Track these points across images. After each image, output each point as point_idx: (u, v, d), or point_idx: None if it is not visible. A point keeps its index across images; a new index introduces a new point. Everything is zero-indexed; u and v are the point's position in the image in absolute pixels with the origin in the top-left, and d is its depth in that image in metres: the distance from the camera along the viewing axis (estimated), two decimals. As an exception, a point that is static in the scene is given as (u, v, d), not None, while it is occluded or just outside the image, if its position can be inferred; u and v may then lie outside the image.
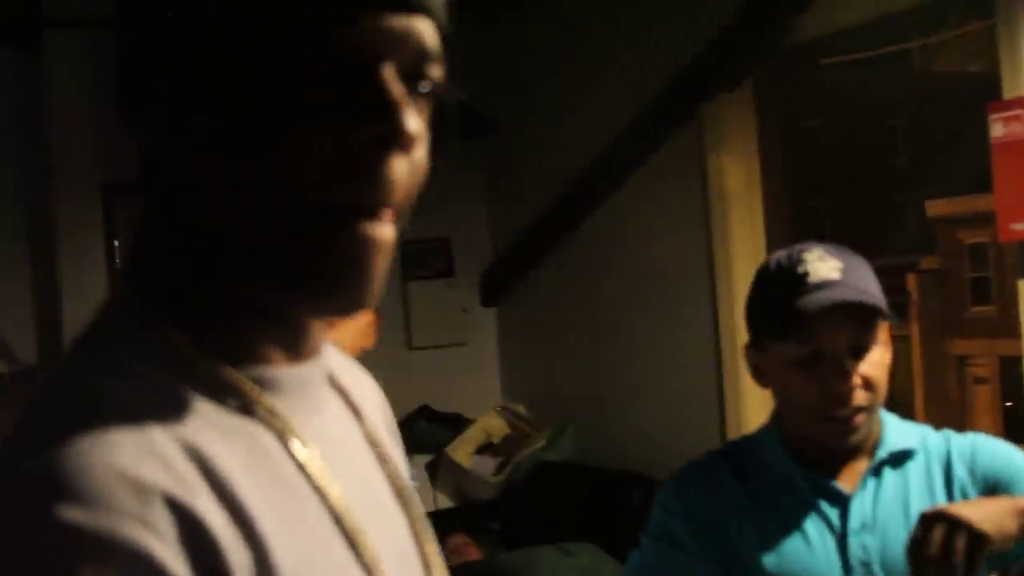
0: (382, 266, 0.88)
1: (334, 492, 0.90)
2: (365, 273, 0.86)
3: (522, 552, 4.43)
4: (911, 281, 21.84)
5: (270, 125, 0.83)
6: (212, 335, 0.89)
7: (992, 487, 2.09)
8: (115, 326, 0.90)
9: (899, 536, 2.00)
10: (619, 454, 4.97)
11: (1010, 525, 1.90)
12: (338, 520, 0.90)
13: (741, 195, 4.52)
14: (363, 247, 0.85)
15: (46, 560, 0.73)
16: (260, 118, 0.83)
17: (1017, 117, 3.18)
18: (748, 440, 2.26)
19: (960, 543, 1.83)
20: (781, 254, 2.12)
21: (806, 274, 2.02)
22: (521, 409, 5.57)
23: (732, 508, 2.11)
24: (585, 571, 4.33)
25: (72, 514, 0.73)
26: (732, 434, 4.11)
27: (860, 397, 2.03)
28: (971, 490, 2.09)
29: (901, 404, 4.05)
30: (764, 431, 2.22)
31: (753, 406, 4.07)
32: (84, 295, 4.95)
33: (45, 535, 0.73)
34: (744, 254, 4.45)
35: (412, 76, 0.87)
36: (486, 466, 5.23)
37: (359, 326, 2.77)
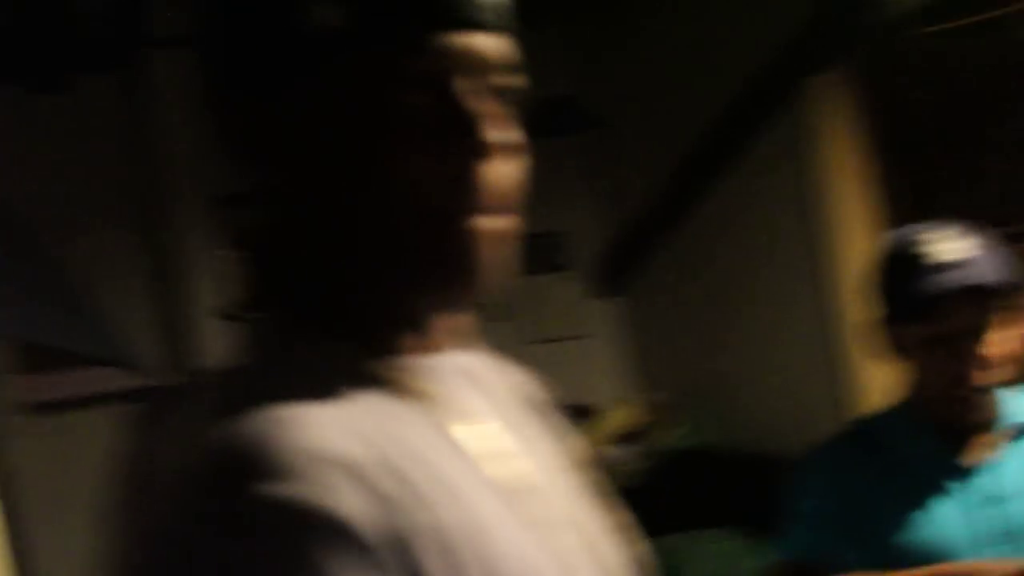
0: (498, 259, 0.94)
1: (490, 463, 0.97)
2: (479, 265, 0.93)
3: (661, 540, 4.43)
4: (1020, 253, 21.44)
5: (373, 152, 0.91)
6: (355, 339, 0.96)
7: None
8: (272, 337, 0.97)
9: None
10: (753, 438, 4.95)
11: None
12: (497, 488, 0.96)
13: (845, 173, 4.49)
14: (475, 244, 0.92)
15: (263, 534, 0.80)
16: (362, 147, 0.91)
17: None
18: (877, 417, 2.28)
19: None
20: (906, 234, 2.14)
21: (931, 255, 2.05)
22: (647, 399, 5.57)
23: (862, 485, 2.14)
24: (725, 557, 4.33)
25: (278, 489, 0.80)
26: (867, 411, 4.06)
27: (985, 376, 2.05)
28: None
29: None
30: (893, 407, 2.25)
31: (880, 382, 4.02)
32: (203, 306, 5.06)
33: (255, 512, 0.80)
34: (851, 232, 4.41)
35: (497, 88, 0.94)
36: (618, 456, 5.25)
37: None
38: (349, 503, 0.81)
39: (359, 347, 0.96)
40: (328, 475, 0.82)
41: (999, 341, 2.06)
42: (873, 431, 2.23)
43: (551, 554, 0.97)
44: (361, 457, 0.84)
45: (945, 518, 2.07)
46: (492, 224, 0.93)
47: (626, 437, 5.35)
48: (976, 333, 2.04)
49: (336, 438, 0.84)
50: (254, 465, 0.81)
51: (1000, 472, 2.11)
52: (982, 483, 2.10)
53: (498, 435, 1.03)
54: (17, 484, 5.16)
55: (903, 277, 2.08)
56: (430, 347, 1.00)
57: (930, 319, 2.04)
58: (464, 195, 0.91)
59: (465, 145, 0.91)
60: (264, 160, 0.97)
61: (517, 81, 0.96)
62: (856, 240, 4.40)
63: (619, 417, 5.45)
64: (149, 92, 5.30)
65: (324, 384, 0.91)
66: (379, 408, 0.92)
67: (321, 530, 0.80)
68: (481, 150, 0.91)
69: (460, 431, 0.97)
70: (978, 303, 2.03)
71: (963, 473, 2.11)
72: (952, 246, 2.06)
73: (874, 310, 2.19)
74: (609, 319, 6.03)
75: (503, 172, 0.94)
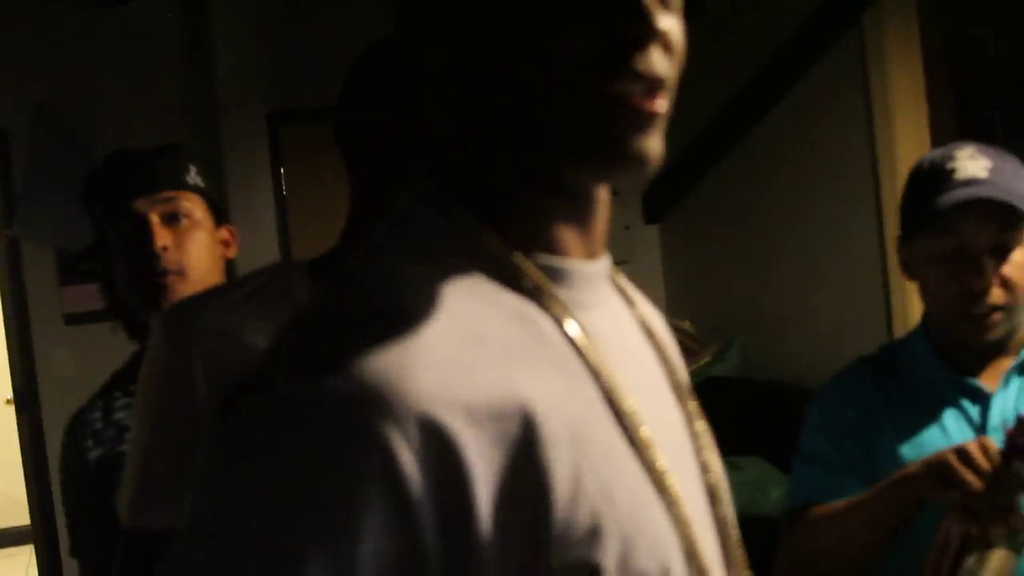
0: (655, 134, 0.95)
1: (607, 373, 0.96)
2: (637, 138, 0.94)
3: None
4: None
5: (541, 31, 0.92)
6: (511, 226, 0.98)
7: None
8: (423, 216, 0.99)
9: None
10: (786, 368, 4.95)
11: None
12: (611, 400, 0.96)
13: (906, 105, 4.42)
14: (631, 115, 0.93)
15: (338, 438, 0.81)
16: (532, 26, 0.92)
17: None
18: (898, 343, 2.30)
19: None
20: (936, 152, 2.15)
21: (953, 171, 2.06)
22: (687, 325, 5.56)
23: (873, 412, 2.15)
24: (754, 484, 4.34)
25: (338, 390, 0.81)
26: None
27: (998, 295, 2.05)
28: None
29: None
30: (914, 332, 2.26)
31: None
32: (253, 222, 5.08)
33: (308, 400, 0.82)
34: (909, 166, 4.35)
35: None
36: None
37: None
38: (404, 441, 0.81)
39: (510, 239, 0.98)
40: (395, 415, 0.81)
41: (1014, 264, 2.06)
42: (890, 357, 2.25)
43: (673, 508, 0.98)
44: (439, 405, 0.83)
45: (954, 441, 2.05)
46: (646, 101, 0.94)
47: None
48: (989, 249, 2.04)
49: (424, 377, 0.83)
50: (332, 356, 0.84)
51: (1017, 396, 2.11)
52: (995, 407, 2.10)
53: (620, 349, 1.04)
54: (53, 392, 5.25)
55: (922, 192, 2.10)
56: (588, 252, 1.03)
57: (944, 231, 2.05)
58: (628, 80, 0.92)
59: (632, 31, 0.92)
60: (428, 33, 0.99)
61: None
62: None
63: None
64: (205, 5, 5.28)
65: (453, 283, 0.93)
66: (500, 311, 0.93)
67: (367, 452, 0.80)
68: (648, 36, 0.92)
69: (578, 336, 0.97)
70: (992, 219, 2.03)
71: (976, 396, 2.12)
72: (976, 163, 2.05)
73: (901, 224, 2.21)
74: (654, 245, 6.01)
75: (660, 60, 0.94)
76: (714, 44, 5.08)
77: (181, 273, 2.39)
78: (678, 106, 0.98)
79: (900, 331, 4.24)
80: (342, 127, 1.79)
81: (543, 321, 0.95)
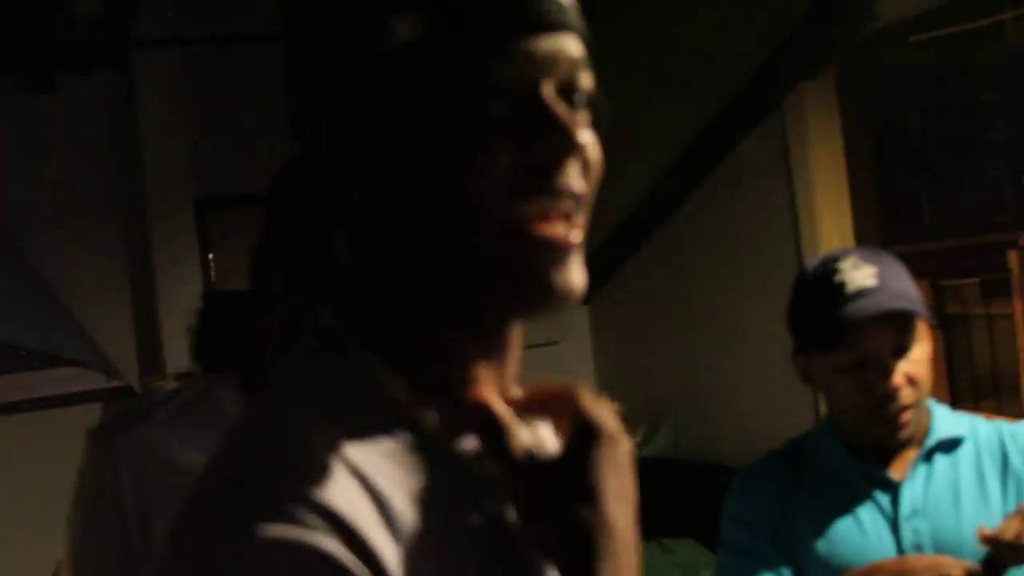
0: (575, 265, 0.94)
1: (503, 525, 0.98)
2: (558, 272, 0.93)
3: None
4: (1012, 258, 21.52)
5: (461, 153, 0.91)
6: (420, 367, 0.98)
7: None
8: (324, 358, 0.99)
9: (949, 520, 2.10)
10: (715, 449, 4.97)
11: None
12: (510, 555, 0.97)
13: (828, 182, 4.51)
14: (551, 250, 0.93)
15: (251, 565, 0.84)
16: (452, 149, 0.91)
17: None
18: (805, 437, 2.32)
19: None
20: (816, 264, 2.20)
21: (843, 284, 2.09)
22: (616, 405, 5.57)
23: (790, 505, 2.18)
24: (684, 566, 4.35)
25: (275, 531, 0.84)
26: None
27: (906, 396, 2.09)
28: None
29: (1007, 385, 4.07)
30: (819, 427, 2.31)
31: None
32: (180, 307, 5.05)
33: (251, 549, 0.84)
34: (832, 242, 4.43)
35: (569, 89, 0.94)
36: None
37: None
38: (339, 551, 0.84)
39: (411, 379, 0.97)
40: (323, 525, 0.85)
41: (913, 362, 2.10)
42: (799, 450, 2.28)
43: None
44: (356, 515, 0.87)
45: (873, 532, 2.12)
46: (565, 231, 0.93)
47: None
48: (892, 355, 2.09)
49: (339, 494, 0.87)
50: (254, 506, 0.86)
51: (924, 485, 2.15)
52: (905, 496, 2.14)
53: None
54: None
55: (818, 307, 2.14)
56: (476, 388, 1.01)
57: (848, 346, 2.09)
58: (545, 199, 0.92)
59: (549, 147, 0.92)
60: (343, 166, 0.97)
61: (589, 83, 0.97)
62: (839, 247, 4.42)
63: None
64: (133, 90, 5.31)
65: (349, 431, 0.93)
66: (393, 460, 0.94)
67: (318, 567, 0.84)
68: (566, 151, 0.92)
69: (469, 490, 0.98)
70: (891, 325, 2.08)
71: (886, 487, 2.16)
72: (862, 272, 2.10)
73: (794, 338, 2.25)
74: (582, 326, 6.05)
75: (577, 176, 0.94)
76: (643, 124, 5.16)
77: None
78: (606, 185, 0.98)
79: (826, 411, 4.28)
80: (260, 244, 1.82)
81: (440, 476, 0.96)
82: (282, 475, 0.88)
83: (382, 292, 0.99)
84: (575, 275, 0.94)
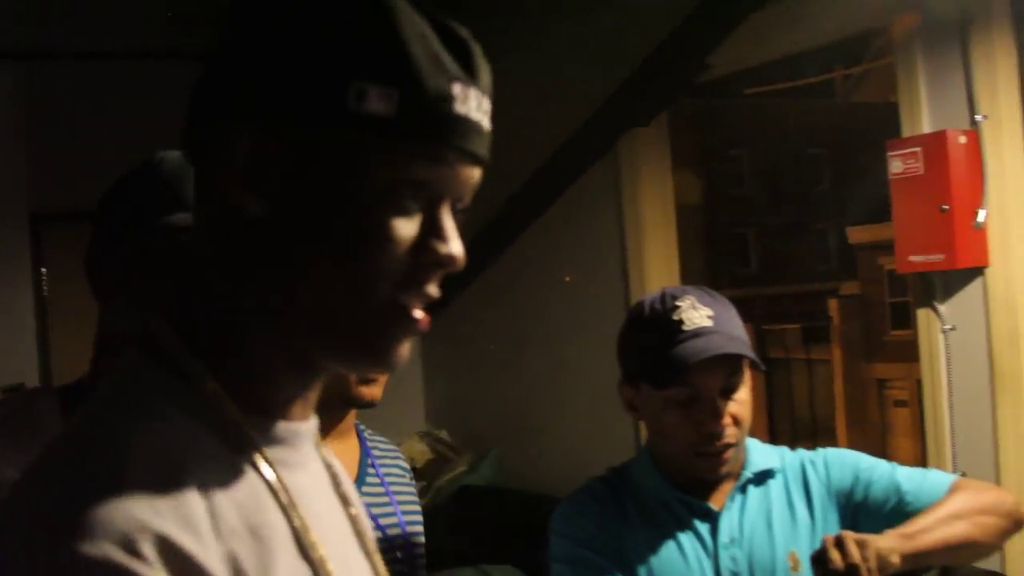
0: (409, 342, 1.07)
1: (311, 539, 1.04)
2: (401, 347, 1.06)
3: (443, 573, 4.47)
4: (833, 306, 22.08)
5: (366, 223, 1.01)
6: (244, 387, 1.04)
7: (846, 495, 2.30)
8: (150, 369, 1.03)
9: (764, 547, 2.23)
10: (539, 477, 5.04)
11: (904, 547, 2.04)
12: (312, 564, 1.04)
13: (657, 223, 4.65)
14: (408, 330, 1.05)
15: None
16: (360, 213, 1.01)
17: (913, 154, 3.32)
18: (626, 466, 2.38)
19: (871, 556, 1.97)
20: (654, 299, 2.25)
21: (681, 322, 2.17)
22: (443, 433, 5.61)
23: (616, 527, 2.26)
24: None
25: (80, 546, 0.86)
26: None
27: (730, 435, 2.21)
28: (829, 501, 2.28)
29: (824, 427, 4.19)
30: (639, 458, 2.38)
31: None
32: (13, 321, 4.99)
33: (62, 565, 0.86)
34: (660, 282, 4.56)
35: (458, 201, 1.08)
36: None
37: None
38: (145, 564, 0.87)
39: (237, 398, 1.03)
40: (141, 544, 0.87)
41: (739, 402, 2.21)
42: (621, 479, 2.34)
43: None
44: (171, 528, 0.90)
45: (694, 558, 2.20)
46: (418, 313, 1.05)
47: (416, 471, 5.41)
48: (721, 395, 2.17)
49: (151, 509, 0.90)
50: (67, 522, 0.88)
51: (740, 515, 2.25)
52: (723, 525, 2.23)
53: (321, 508, 1.12)
54: None
55: (654, 343, 2.19)
56: (303, 414, 1.11)
57: (684, 383, 2.15)
58: (421, 293, 1.04)
59: (439, 256, 1.04)
60: (252, 185, 1.01)
61: (469, 204, 1.09)
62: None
63: (411, 451, 5.44)
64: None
65: (173, 441, 0.97)
66: (216, 472, 0.98)
67: None
68: (450, 263, 1.05)
69: (286, 502, 1.04)
70: (723, 366, 2.16)
71: (705, 516, 2.24)
72: (699, 313, 2.18)
73: (624, 369, 2.30)
74: (413, 355, 6.04)
75: (439, 276, 1.06)
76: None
77: None
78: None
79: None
80: (89, 257, 1.82)
81: (254, 484, 1.02)
82: (96, 491, 0.90)
83: (233, 309, 1.04)
84: (407, 349, 1.07)
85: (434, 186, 1.03)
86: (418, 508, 2.54)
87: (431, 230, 1.04)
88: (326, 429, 2.47)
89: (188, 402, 1.01)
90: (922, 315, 3.51)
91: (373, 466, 2.47)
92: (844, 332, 21.58)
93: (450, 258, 1.05)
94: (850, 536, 2.01)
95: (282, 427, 1.07)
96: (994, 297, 3.26)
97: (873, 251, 21.24)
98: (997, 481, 3.22)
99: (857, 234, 21.62)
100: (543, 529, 2.32)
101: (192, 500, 0.93)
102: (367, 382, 2.28)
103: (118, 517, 0.87)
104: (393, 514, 2.42)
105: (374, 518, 2.38)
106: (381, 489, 2.46)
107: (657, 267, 4.61)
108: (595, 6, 4.54)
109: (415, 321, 1.05)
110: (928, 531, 2.12)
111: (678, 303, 2.19)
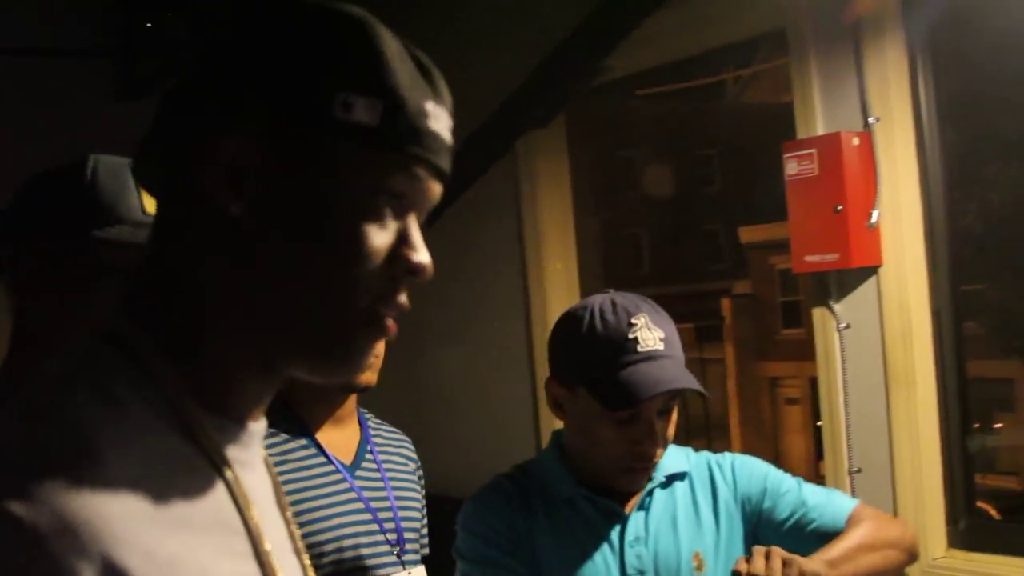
0: (370, 353, 1.11)
1: (263, 538, 1.06)
2: (368, 355, 1.10)
3: None
4: (725, 305, 22.36)
5: (349, 224, 1.05)
6: (205, 384, 1.05)
7: (752, 502, 2.35)
8: (104, 354, 1.03)
9: (669, 546, 2.26)
10: (439, 479, 5.04)
11: (828, 574, 2.11)
12: (261, 561, 1.06)
13: (555, 224, 4.67)
14: (378, 338, 1.09)
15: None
16: (342, 217, 1.04)
17: (808, 156, 3.37)
18: (533, 463, 2.39)
19: (795, 571, 2.02)
20: (604, 307, 2.23)
21: (636, 341, 2.17)
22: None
23: (523, 523, 2.27)
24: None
25: (11, 505, 0.86)
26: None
27: (659, 453, 2.25)
28: (734, 506, 2.32)
29: (717, 425, 4.23)
30: (546, 455, 2.39)
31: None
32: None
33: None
34: (558, 281, 4.60)
35: (419, 216, 1.12)
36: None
37: None
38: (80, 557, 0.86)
39: (194, 393, 1.04)
40: (67, 541, 0.86)
41: (671, 422, 2.25)
42: (529, 476, 2.35)
43: None
44: (105, 533, 0.89)
45: (599, 557, 2.22)
46: (389, 324, 1.09)
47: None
48: (659, 416, 2.20)
49: (88, 504, 0.89)
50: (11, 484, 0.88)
51: (647, 515, 2.28)
52: (630, 525, 2.26)
53: (265, 508, 1.13)
54: None
55: (600, 356, 2.18)
56: (255, 415, 1.12)
57: (629, 406, 2.15)
58: (394, 303, 1.09)
59: (413, 267, 1.09)
60: (237, 186, 1.03)
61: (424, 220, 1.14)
62: (563, 287, 4.59)
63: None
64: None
65: (124, 427, 0.97)
66: (168, 462, 0.99)
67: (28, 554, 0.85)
68: (422, 275, 1.09)
69: (241, 500, 1.05)
70: (668, 394, 2.17)
71: (614, 516, 2.27)
72: (653, 335, 2.17)
73: (559, 369, 2.30)
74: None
75: (411, 286, 1.10)
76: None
77: None
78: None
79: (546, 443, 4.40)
80: (5, 256, 1.78)
81: (209, 477, 1.03)
82: (54, 463, 0.90)
83: (199, 309, 1.05)
84: (367, 360, 1.11)
85: (407, 198, 1.08)
86: (417, 497, 2.65)
87: (403, 240, 1.08)
88: (325, 415, 2.54)
89: (148, 393, 1.01)
90: (817, 314, 3.56)
91: (372, 452, 2.58)
92: (736, 331, 21.86)
93: (421, 268, 1.09)
94: (779, 552, 2.04)
95: (239, 427, 1.09)
96: (887, 296, 3.32)
97: (765, 251, 21.48)
98: (892, 477, 3.29)
99: (749, 234, 21.88)
100: (443, 530, 2.32)
101: (136, 493, 0.92)
102: None
103: (57, 496, 0.87)
104: (386, 499, 2.50)
105: (366, 502, 2.44)
106: (377, 475, 2.55)
107: (555, 268, 4.62)
108: (496, 7, 4.56)
109: (387, 329, 1.08)
110: (849, 560, 2.18)
111: (634, 320, 2.18)
